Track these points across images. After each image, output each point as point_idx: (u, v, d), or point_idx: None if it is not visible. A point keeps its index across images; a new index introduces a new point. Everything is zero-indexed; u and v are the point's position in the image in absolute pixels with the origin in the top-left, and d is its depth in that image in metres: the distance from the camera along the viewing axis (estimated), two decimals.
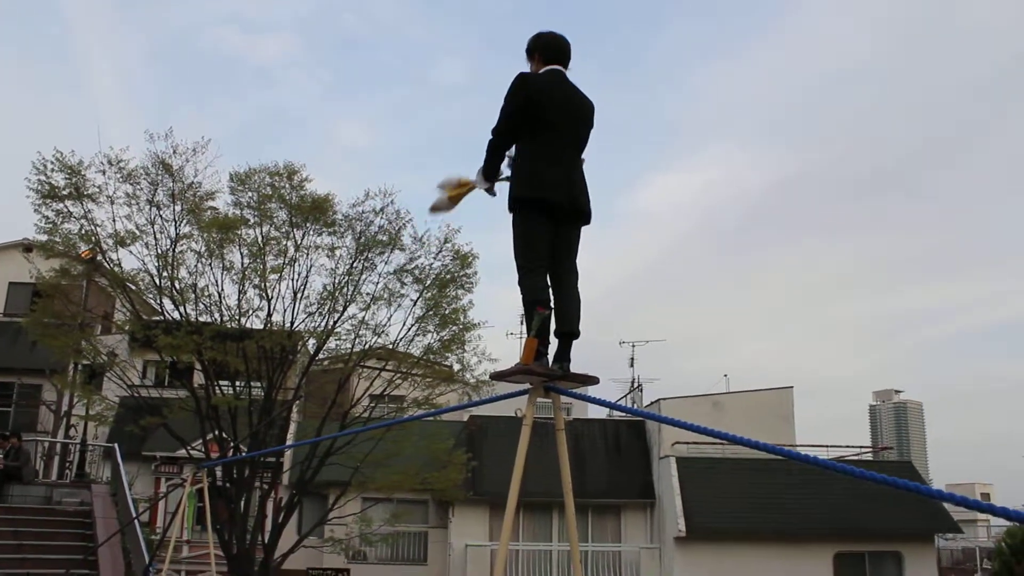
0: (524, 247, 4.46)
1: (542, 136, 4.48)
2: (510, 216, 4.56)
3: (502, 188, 4.67)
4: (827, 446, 26.81)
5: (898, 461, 32.01)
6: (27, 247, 22.58)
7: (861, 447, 31.01)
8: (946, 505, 24.54)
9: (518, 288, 4.47)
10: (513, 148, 4.64)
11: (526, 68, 4.76)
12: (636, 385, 32.53)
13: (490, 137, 4.61)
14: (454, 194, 4.99)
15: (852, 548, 24.45)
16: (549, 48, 4.76)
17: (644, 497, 26.08)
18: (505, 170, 4.66)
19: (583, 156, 4.73)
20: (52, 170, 18.46)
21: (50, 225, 18.80)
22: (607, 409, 28.19)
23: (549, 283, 4.50)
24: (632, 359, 33.29)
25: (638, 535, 25.76)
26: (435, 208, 5.19)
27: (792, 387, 29.02)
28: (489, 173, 4.67)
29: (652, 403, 28.63)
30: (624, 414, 29.08)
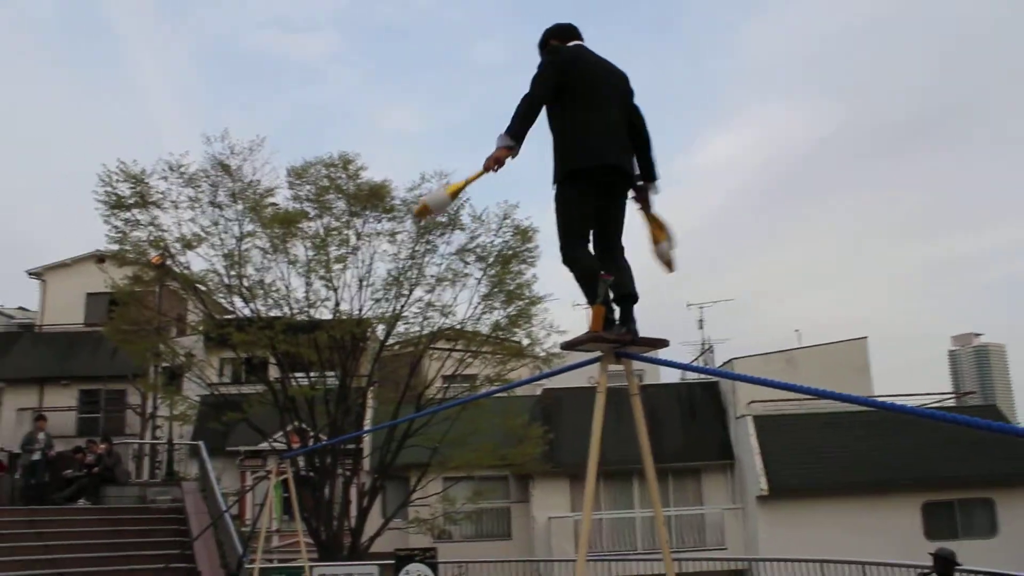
0: (570, 220, 4.39)
1: (582, 105, 4.40)
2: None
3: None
4: (906, 395, 26.28)
5: (982, 405, 31.11)
6: (100, 258, 23.15)
7: (942, 394, 30.35)
8: None
9: (565, 265, 4.39)
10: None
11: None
12: (707, 347, 32.30)
13: (524, 99, 4.31)
14: (455, 189, 4.63)
15: (940, 497, 23.95)
16: (561, 32, 4.72)
17: (723, 458, 25.91)
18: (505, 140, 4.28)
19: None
20: (117, 180, 18.86)
21: (120, 234, 19.23)
22: (680, 372, 28.20)
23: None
24: (701, 321, 33.11)
25: (719, 496, 25.63)
26: (426, 209, 4.69)
27: (866, 337, 28.42)
28: (520, 131, 4.23)
29: (724, 363, 28.33)
30: (698, 376, 28.96)
